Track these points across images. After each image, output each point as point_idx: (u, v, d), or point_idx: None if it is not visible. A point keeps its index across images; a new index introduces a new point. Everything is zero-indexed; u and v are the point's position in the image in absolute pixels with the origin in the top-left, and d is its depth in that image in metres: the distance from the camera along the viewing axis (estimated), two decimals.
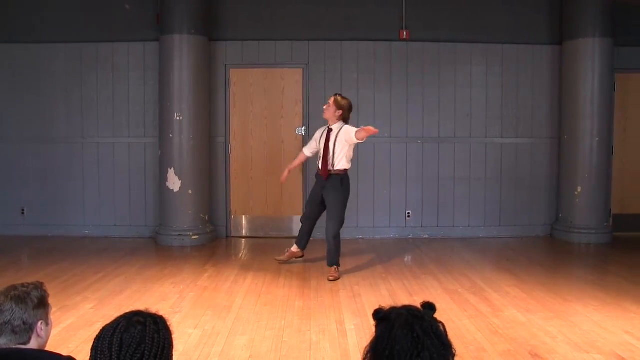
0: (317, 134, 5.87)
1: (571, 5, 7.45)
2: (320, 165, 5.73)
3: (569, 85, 7.50)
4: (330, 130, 5.69)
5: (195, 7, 7.22)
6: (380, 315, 1.60)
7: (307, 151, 6.00)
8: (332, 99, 5.69)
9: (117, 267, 6.04)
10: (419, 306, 1.63)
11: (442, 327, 1.57)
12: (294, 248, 6.17)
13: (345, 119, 5.68)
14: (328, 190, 5.67)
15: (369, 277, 5.71)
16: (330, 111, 5.66)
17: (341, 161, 5.61)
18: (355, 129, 5.48)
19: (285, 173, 6.06)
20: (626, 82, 7.83)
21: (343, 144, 5.57)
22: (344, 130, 5.59)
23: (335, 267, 5.72)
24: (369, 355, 1.57)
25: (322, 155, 5.69)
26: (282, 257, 6.21)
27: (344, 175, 5.66)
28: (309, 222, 6.03)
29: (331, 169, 5.63)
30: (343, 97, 5.72)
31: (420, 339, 1.50)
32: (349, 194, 5.75)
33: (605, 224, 7.55)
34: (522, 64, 7.80)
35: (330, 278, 5.58)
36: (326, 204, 5.73)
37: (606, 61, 7.33)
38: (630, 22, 7.62)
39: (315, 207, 5.89)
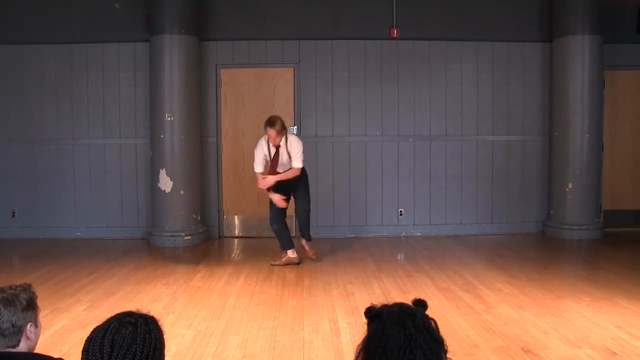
0: (264, 148, 6.06)
1: (560, 3, 7.48)
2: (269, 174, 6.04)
3: (559, 82, 7.53)
4: (278, 147, 5.99)
5: (186, 7, 7.20)
6: (372, 313, 1.59)
7: (260, 168, 6.12)
8: (274, 131, 5.86)
9: (109, 269, 6.01)
10: (410, 303, 1.63)
11: (433, 324, 1.57)
12: (291, 253, 6.14)
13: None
14: (298, 188, 6.12)
15: (361, 276, 5.71)
16: (278, 138, 5.94)
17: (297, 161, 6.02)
18: (299, 150, 5.94)
19: (275, 195, 6.02)
20: (615, 79, 7.87)
21: (290, 152, 5.98)
22: (291, 142, 5.98)
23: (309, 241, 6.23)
24: (361, 353, 1.57)
25: (271, 167, 6.04)
26: (278, 262, 6.15)
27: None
28: (284, 224, 6.18)
29: (288, 169, 6.03)
30: (276, 119, 5.95)
31: (413, 336, 1.50)
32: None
33: (596, 220, 7.59)
34: (513, 62, 7.83)
35: (313, 256, 6.22)
36: (298, 197, 6.17)
37: (595, 58, 7.37)
38: (618, 19, 7.66)
39: (282, 209, 6.08)
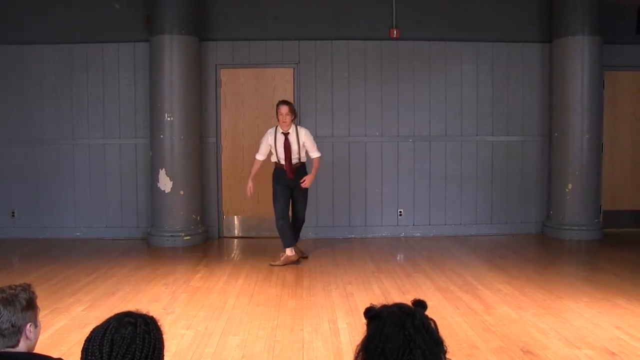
0: (269, 139, 6.17)
1: (560, 4, 7.49)
2: (285, 168, 6.11)
3: (559, 83, 7.54)
4: (287, 134, 6.10)
5: (185, 7, 7.20)
6: (371, 313, 1.60)
7: (261, 157, 6.27)
8: (287, 108, 6.05)
9: (109, 269, 6.01)
10: (410, 304, 1.63)
11: (433, 324, 1.57)
12: (289, 251, 6.13)
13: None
14: (300, 189, 6.15)
15: (361, 276, 5.71)
16: (288, 120, 6.07)
17: (304, 154, 6.20)
18: (313, 140, 6.17)
19: (251, 184, 6.25)
20: (615, 80, 7.88)
21: (304, 142, 6.13)
22: (304, 134, 6.15)
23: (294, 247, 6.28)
24: (360, 353, 1.57)
25: (284, 159, 6.09)
26: (277, 263, 6.13)
27: (305, 164, 6.27)
28: (288, 220, 6.25)
29: (297, 162, 6.14)
30: (288, 101, 6.27)
31: (412, 336, 1.50)
32: None
33: (596, 221, 7.60)
34: (512, 62, 7.83)
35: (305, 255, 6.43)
36: (298, 199, 6.24)
37: (595, 59, 7.37)
38: (618, 20, 7.67)
39: (288, 204, 6.23)
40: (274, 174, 6.23)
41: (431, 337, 1.53)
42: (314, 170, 6.19)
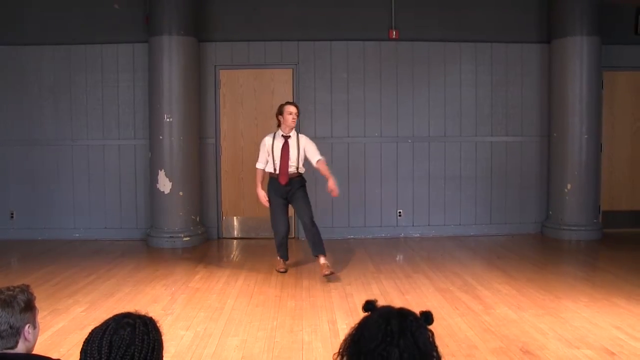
0: (267, 144, 5.84)
1: (559, 4, 7.50)
2: (278, 173, 5.76)
3: (558, 83, 7.54)
4: (288, 137, 5.81)
5: (184, 8, 7.20)
6: (368, 306, 1.60)
7: (262, 165, 5.91)
8: (296, 108, 5.83)
9: (108, 270, 6.01)
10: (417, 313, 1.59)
11: (428, 335, 1.51)
12: (281, 262, 5.97)
13: None
14: (295, 192, 5.80)
15: (360, 277, 5.71)
16: (296, 118, 5.85)
17: (302, 163, 5.86)
18: (314, 145, 5.82)
19: (262, 192, 5.87)
20: (613, 80, 7.89)
21: (304, 150, 5.81)
22: (305, 139, 5.87)
23: (324, 256, 5.71)
24: (347, 341, 1.57)
25: (279, 163, 5.77)
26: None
27: (303, 174, 5.92)
28: (287, 238, 5.99)
29: (294, 171, 5.80)
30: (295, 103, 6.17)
31: (393, 334, 1.46)
32: None
33: (595, 221, 7.60)
34: (511, 63, 7.84)
35: (327, 272, 5.52)
36: (297, 202, 5.81)
37: (594, 59, 7.38)
38: (616, 20, 7.68)
39: (286, 219, 5.92)
40: (268, 185, 5.89)
41: (416, 343, 1.47)
42: (328, 173, 5.68)
